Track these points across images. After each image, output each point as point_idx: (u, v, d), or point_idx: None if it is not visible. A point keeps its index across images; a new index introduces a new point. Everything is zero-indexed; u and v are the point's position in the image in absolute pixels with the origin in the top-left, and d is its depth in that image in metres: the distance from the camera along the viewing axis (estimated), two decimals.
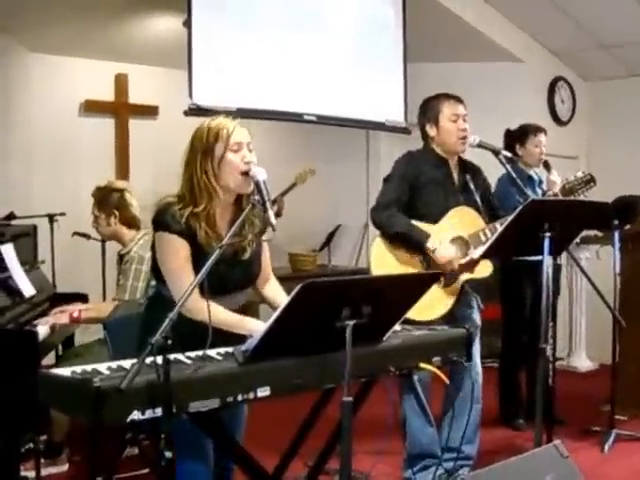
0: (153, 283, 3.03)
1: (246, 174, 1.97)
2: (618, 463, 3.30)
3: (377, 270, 2.83)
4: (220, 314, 1.92)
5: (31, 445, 3.03)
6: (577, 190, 3.07)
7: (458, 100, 2.96)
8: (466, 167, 3.02)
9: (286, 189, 4.97)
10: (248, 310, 2.17)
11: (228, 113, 2.10)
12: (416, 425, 2.93)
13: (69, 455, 3.25)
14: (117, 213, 3.14)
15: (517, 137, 3.89)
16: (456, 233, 2.87)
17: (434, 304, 2.79)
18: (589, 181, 3.08)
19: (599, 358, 5.15)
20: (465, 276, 2.88)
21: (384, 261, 2.83)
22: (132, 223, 3.17)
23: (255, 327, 1.95)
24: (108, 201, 3.15)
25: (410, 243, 2.83)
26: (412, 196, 2.87)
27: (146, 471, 2.94)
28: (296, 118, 4.52)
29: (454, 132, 2.90)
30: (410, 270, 2.82)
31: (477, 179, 3.02)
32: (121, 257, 3.20)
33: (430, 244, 2.79)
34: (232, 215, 2.07)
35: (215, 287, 1.89)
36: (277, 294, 2.24)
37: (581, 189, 3.06)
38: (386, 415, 3.11)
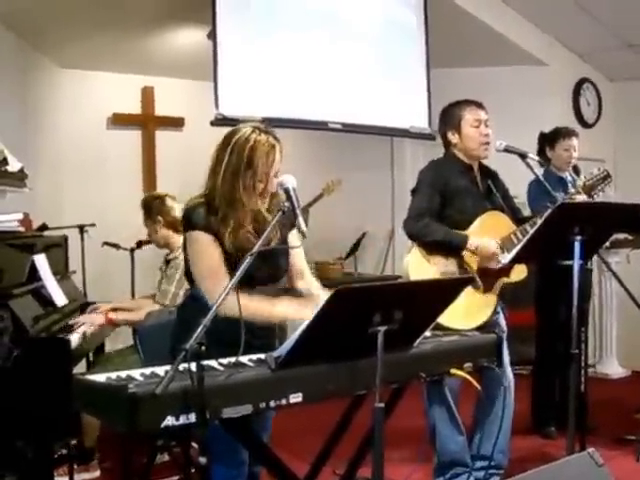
0: (184, 289, 3.10)
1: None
2: None
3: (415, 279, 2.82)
4: (250, 306, 1.88)
5: (64, 451, 3.07)
6: (596, 187, 3.04)
7: (479, 106, 2.95)
8: (487, 172, 3.02)
9: (312, 200, 4.98)
10: None
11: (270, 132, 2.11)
12: (446, 433, 2.91)
13: (100, 461, 3.29)
14: (161, 219, 3.22)
15: (548, 140, 3.86)
16: (489, 237, 2.86)
17: (475, 312, 2.79)
18: (606, 177, 3.06)
19: (631, 364, 5.06)
20: (502, 281, 2.87)
21: (421, 270, 2.82)
22: (176, 226, 3.24)
23: (286, 309, 1.99)
24: (151, 209, 3.27)
25: (450, 248, 2.82)
26: (442, 204, 2.87)
27: (177, 478, 2.95)
28: (321, 126, 4.54)
29: (477, 138, 2.89)
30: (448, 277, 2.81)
31: (497, 183, 3.02)
32: (167, 262, 3.26)
33: (471, 244, 2.78)
34: (253, 215, 2.10)
35: (240, 281, 1.90)
36: (312, 286, 2.24)
37: (599, 185, 3.04)
38: (417, 423, 3.11)
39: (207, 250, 2.01)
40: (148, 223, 3.29)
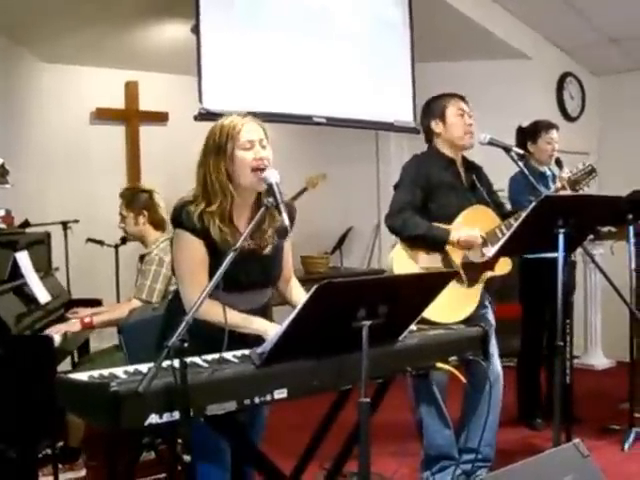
0: (172, 288, 3.08)
1: (257, 170, 1.97)
2: (639, 461, 3.26)
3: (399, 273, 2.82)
4: (225, 313, 1.85)
5: (48, 451, 3.04)
6: (582, 181, 3.06)
7: (462, 98, 2.97)
8: (471, 167, 3.02)
9: (296, 194, 4.96)
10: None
11: (242, 114, 2.08)
12: (433, 428, 2.91)
13: (85, 460, 3.27)
14: (146, 213, 3.20)
15: (529, 134, 3.86)
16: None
17: (460, 306, 2.79)
18: (591, 171, 3.07)
19: (615, 355, 5.10)
20: (487, 274, 2.87)
21: (405, 265, 2.81)
22: (159, 224, 3.24)
23: (261, 326, 1.95)
24: (137, 201, 3.22)
25: (432, 242, 2.81)
26: (425, 199, 2.86)
27: (163, 475, 2.94)
28: (306, 121, 4.53)
29: (461, 126, 2.89)
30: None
31: (481, 178, 3.02)
32: (142, 258, 3.23)
33: (454, 236, 2.79)
34: (252, 214, 2.07)
35: (229, 283, 1.87)
36: (299, 295, 2.23)
37: (585, 180, 3.06)
38: (403, 417, 3.11)
39: (188, 251, 1.99)
40: (128, 213, 3.23)
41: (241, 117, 2.04)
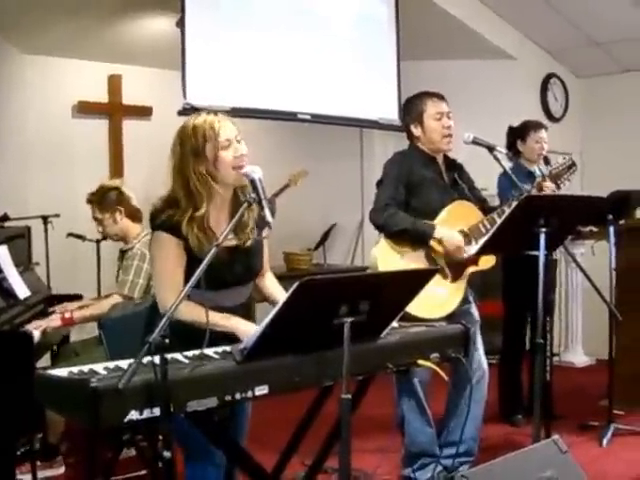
0: (142, 277, 3.05)
1: (238, 168, 1.96)
2: (617, 457, 3.31)
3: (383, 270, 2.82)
4: (202, 312, 1.85)
5: (27, 448, 3.01)
6: (562, 175, 3.10)
7: (441, 98, 2.96)
8: (452, 164, 3.03)
9: (278, 190, 4.96)
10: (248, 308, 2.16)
11: (211, 111, 2.05)
12: (415, 425, 2.92)
13: (65, 457, 3.24)
14: (121, 209, 3.17)
15: (518, 133, 3.92)
16: (457, 226, 2.87)
17: (443, 301, 2.80)
18: (571, 166, 3.12)
19: (595, 353, 5.16)
20: (470, 269, 2.89)
21: (389, 261, 2.81)
22: (135, 216, 3.22)
23: (237, 324, 1.94)
24: (108, 200, 3.18)
25: (417, 238, 2.82)
26: (408, 195, 2.87)
27: (144, 472, 2.92)
28: (290, 117, 4.52)
29: (439, 130, 2.90)
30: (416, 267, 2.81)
31: (463, 175, 3.04)
32: (123, 253, 3.21)
33: (437, 234, 2.79)
34: (230, 208, 2.06)
35: (216, 281, 1.88)
36: (274, 288, 2.23)
37: (565, 174, 3.10)
38: (384, 413, 3.12)
39: (164, 253, 1.97)
40: (104, 215, 3.19)
41: (214, 115, 2.00)
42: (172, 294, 1.80)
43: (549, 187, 3.05)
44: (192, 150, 1.95)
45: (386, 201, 2.83)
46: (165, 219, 1.96)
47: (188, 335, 1.80)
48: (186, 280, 1.91)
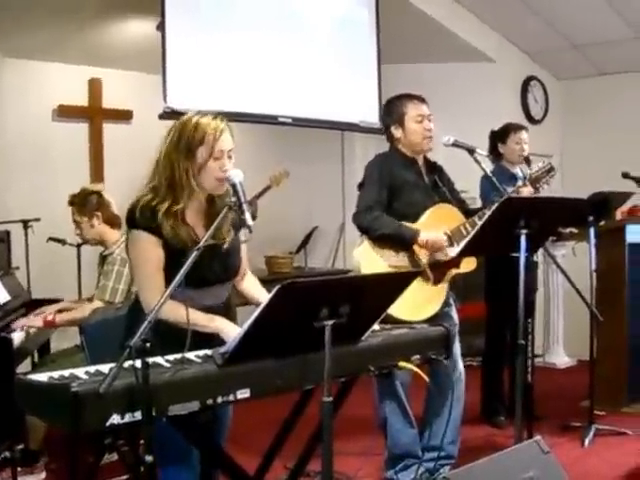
0: (135, 288, 3.03)
1: (220, 180, 1.96)
2: (598, 457, 3.33)
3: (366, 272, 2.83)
4: (185, 312, 1.84)
5: (7, 454, 2.97)
6: (541, 179, 3.13)
7: (421, 100, 2.97)
8: (432, 167, 3.05)
9: (260, 192, 4.94)
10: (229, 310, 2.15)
11: (219, 114, 2.03)
12: (397, 427, 2.93)
13: (46, 463, 3.20)
14: (99, 214, 3.17)
15: (499, 135, 3.96)
16: (439, 229, 2.89)
17: (425, 304, 2.81)
18: (550, 170, 3.16)
19: (577, 354, 5.20)
20: (452, 272, 2.90)
21: (372, 263, 2.82)
22: (114, 222, 3.21)
23: (221, 325, 1.94)
24: (88, 204, 3.19)
25: (401, 242, 2.83)
26: (390, 197, 2.88)
27: (125, 477, 2.90)
28: (271, 120, 4.51)
29: (420, 132, 2.91)
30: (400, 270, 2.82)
31: (443, 177, 3.06)
32: (103, 258, 3.19)
33: (422, 239, 2.81)
34: (205, 211, 2.06)
35: (196, 280, 1.87)
36: (255, 289, 2.24)
37: (544, 177, 3.14)
38: (367, 415, 3.13)
39: (145, 254, 1.96)
40: (82, 218, 3.20)
41: (219, 121, 1.99)
42: (155, 294, 1.80)
43: (524, 192, 3.08)
44: (186, 145, 1.95)
45: (370, 203, 2.84)
46: (140, 216, 1.94)
47: (172, 335, 1.79)
48: (166, 276, 1.92)
